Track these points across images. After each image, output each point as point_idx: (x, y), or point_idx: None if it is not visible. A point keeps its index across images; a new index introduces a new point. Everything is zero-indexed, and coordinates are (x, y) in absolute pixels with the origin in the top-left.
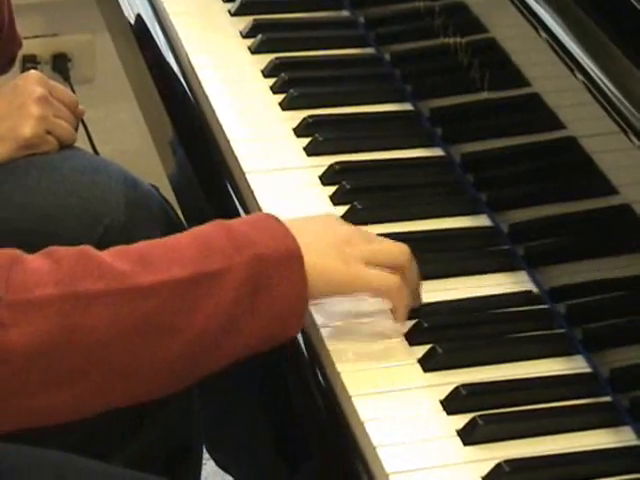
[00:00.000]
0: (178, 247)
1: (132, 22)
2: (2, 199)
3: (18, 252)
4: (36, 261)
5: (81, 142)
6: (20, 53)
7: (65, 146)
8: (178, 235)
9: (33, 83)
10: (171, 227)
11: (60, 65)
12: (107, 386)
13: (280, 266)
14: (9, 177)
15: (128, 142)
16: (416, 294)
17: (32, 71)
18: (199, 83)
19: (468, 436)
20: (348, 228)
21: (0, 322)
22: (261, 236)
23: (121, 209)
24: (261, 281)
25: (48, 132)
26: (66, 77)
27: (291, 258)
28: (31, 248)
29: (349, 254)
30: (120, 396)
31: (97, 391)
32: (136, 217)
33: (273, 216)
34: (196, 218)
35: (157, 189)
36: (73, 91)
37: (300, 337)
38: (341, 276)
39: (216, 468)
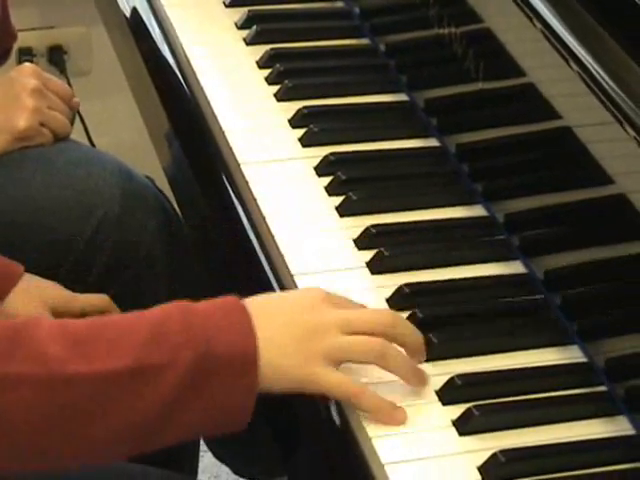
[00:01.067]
0: (128, 332)
1: (127, 14)
2: None
3: None
4: None
5: (77, 134)
6: (16, 46)
7: (60, 138)
8: (140, 315)
9: (27, 75)
10: (166, 218)
11: (56, 58)
12: (33, 460)
13: (229, 370)
14: (3, 170)
15: (124, 134)
16: (416, 350)
17: (26, 64)
18: (194, 75)
19: (463, 426)
20: (319, 314)
21: None
22: (219, 330)
23: (116, 200)
24: (205, 382)
25: (42, 124)
26: (62, 70)
27: (245, 363)
28: (25, 241)
29: (310, 349)
30: (41, 465)
31: (22, 464)
32: (131, 208)
33: (241, 305)
34: (192, 210)
35: (152, 180)
36: (69, 84)
37: None
38: (297, 375)
39: (214, 460)
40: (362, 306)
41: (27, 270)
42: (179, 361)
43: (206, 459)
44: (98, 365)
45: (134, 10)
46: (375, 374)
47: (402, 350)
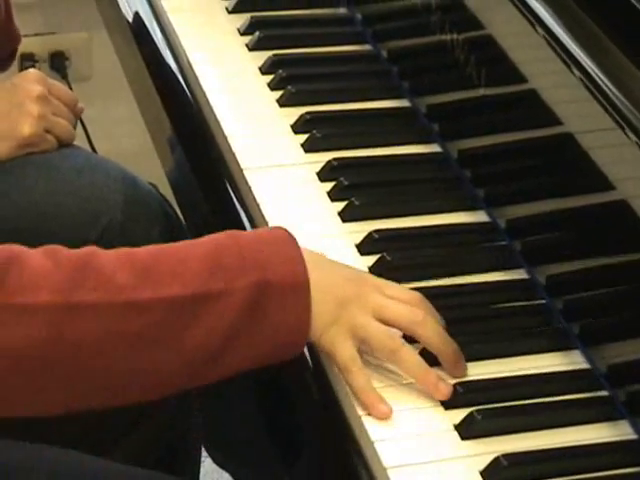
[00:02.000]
0: (186, 259)
1: (130, 20)
2: (0, 198)
3: (18, 249)
4: (36, 260)
5: (79, 140)
6: (18, 52)
7: (64, 145)
8: (192, 244)
9: (32, 81)
10: (169, 225)
11: (58, 63)
12: (96, 394)
13: (284, 294)
14: (7, 176)
15: (126, 140)
16: (444, 357)
17: (31, 69)
18: (197, 80)
19: (466, 430)
20: (362, 291)
21: None
22: (272, 258)
23: (119, 208)
24: (262, 307)
25: (47, 131)
26: (64, 75)
27: (297, 287)
28: (28, 247)
29: (342, 316)
30: (109, 401)
31: (85, 398)
32: (135, 215)
33: (291, 238)
34: (194, 215)
35: (156, 187)
36: (71, 89)
37: None
38: (322, 329)
39: (214, 465)
40: (410, 294)
41: None
42: (238, 287)
43: (207, 464)
44: (164, 292)
45: (136, 15)
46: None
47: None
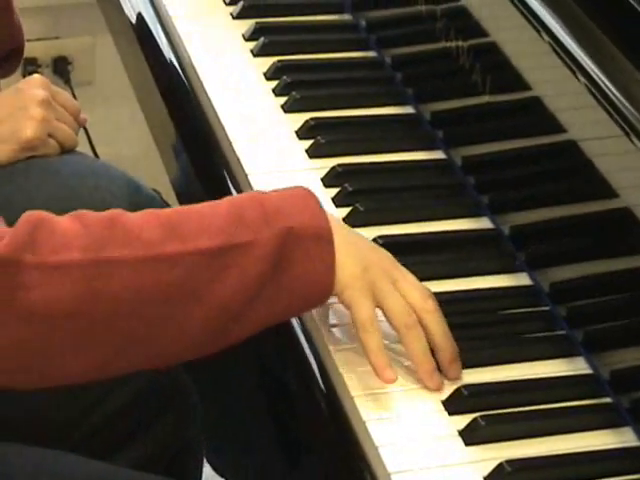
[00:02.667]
0: (210, 215)
1: (134, 24)
2: (2, 201)
3: (45, 214)
4: (64, 223)
5: (81, 145)
6: (22, 56)
7: (66, 150)
8: (214, 203)
9: (36, 86)
10: None
11: (61, 68)
12: (131, 351)
13: (309, 242)
14: (10, 180)
15: (128, 145)
16: (440, 350)
17: (35, 75)
18: (201, 86)
19: (470, 436)
20: (382, 262)
21: (24, 283)
22: (294, 210)
23: None
24: (287, 256)
25: (50, 135)
26: (66, 80)
27: (321, 236)
28: None
29: (364, 277)
30: (145, 360)
31: (120, 355)
32: None
33: (313, 195)
34: None
35: (159, 194)
36: (73, 94)
37: (302, 338)
38: (346, 281)
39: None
40: (423, 286)
41: None
42: (263, 237)
43: (208, 468)
44: (191, 245)
45: (141, 20)
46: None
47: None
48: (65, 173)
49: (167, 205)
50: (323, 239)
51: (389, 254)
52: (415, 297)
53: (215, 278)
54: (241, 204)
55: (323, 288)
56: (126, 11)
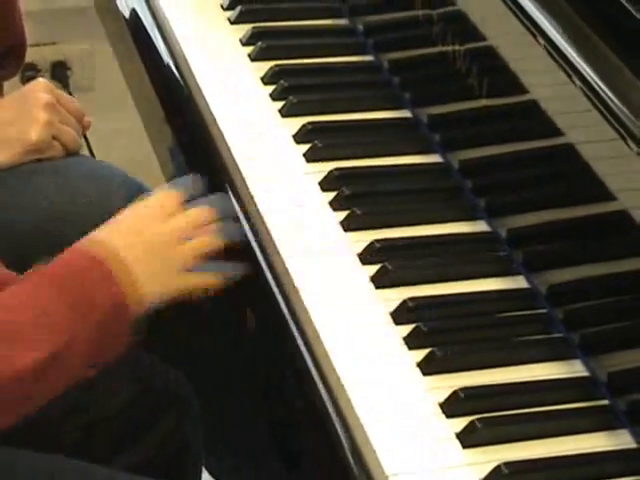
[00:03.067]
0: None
1: (132, 30)
2: (7, 202)
3: None
4: None
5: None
6: (23, 59)
7: (70, 153)
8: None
9: (40, 90)
10: None
11: (59, 73)
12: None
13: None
14: (15, 182)
15: (128, 151)
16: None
17: (40, 79)
18: (199, 91)
19: (467, 439)
20: (164, 227)
21: None
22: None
23: None
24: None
25: (54, 138)
26: (65, 85)
27: (119, 311)
28: (33, 248)
29: (170, 265)
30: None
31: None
32: None
33: (98, 261)
34: None
35: None
36: None
37: (301, 344)
38: (169, 286)
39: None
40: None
41: None
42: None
43: (205, 475)
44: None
45: (139, 24)
46: None
47: None
48: (68, 174)
49: None
50: (121, 314)
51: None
52: (196, 222)
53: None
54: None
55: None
56: (123, 15)
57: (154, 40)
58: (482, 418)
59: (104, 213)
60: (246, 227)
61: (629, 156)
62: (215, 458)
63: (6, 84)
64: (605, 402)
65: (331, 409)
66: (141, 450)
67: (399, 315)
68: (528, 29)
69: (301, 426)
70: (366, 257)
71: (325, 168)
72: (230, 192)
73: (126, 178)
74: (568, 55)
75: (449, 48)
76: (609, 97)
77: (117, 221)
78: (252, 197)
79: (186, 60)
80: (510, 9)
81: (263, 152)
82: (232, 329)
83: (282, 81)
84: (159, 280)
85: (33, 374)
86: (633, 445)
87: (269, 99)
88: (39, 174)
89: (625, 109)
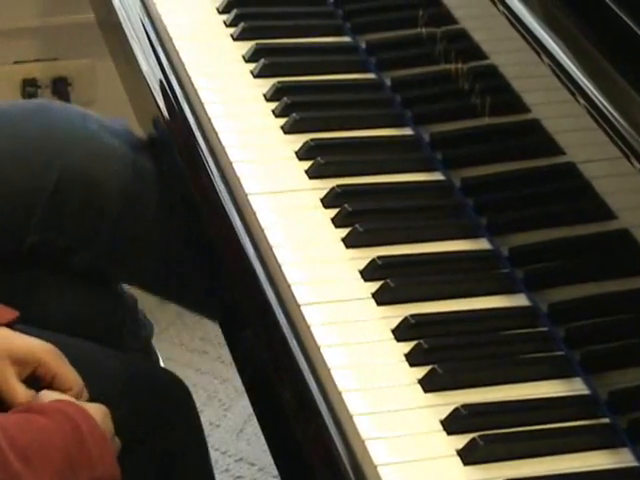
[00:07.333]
0: None
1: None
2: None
3: None
4: None
5: None
6: (20, 77)
7: None
8: None
9: None
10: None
11: (60, 89)
12: None
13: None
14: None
15: None
16: None
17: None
18: (202, 106)
19: (468, 456)
20: None
21: None
22: None
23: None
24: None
25: None
26: (66, 100)
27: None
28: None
29: None
30: None
31: None
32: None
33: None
34: (198, 240)
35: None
36: None
37: (301, 358)
38: None
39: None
40: None
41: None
42: None
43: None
44: None
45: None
46: None
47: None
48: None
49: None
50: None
51: None
52: None
53: None
54: None
55: None
56: (127, 35)
57: (156, 57)
58: (483, 435)
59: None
60: (247, 240)
61: (632, 174)
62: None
63: (7, 96)
64: (606, 420)
65: (331, 426)
66: (142, 455)
67: (400, 332)
68: (532, 47)
69: (302, 442)
70: (368, 274)
71: (327, 185)
72: (234, 208)
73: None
74: (572, 74)
75: (452, 66)
76: (612, 115)
77: None
78: (254, 213)
79: (189, 76)
80: (514, 27)
81: (265, 168)
82: None
83: (285, 98)
84: None
85: None
86: (634, 463)
87: (272, 115)
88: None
89: (629, 127)
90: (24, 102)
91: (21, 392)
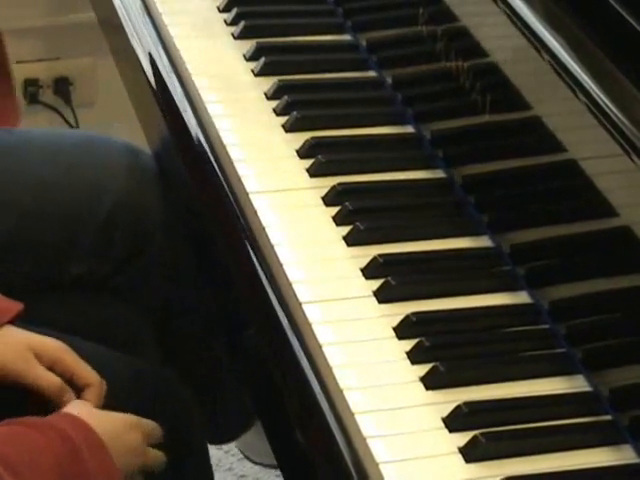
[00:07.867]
0: None
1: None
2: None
3: None
4: None
5: None
6: (22, 77)
7: None
8: None
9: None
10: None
11: (62, 88)
12: None
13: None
14: (9, 156)
15: None
16: None
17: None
18: (203, 105)
19: (470, 453)
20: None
21: None
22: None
23: (123, 175)
24: None
25: None
26: (67, 100)
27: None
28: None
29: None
30: None
31: None
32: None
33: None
34: (199, 239)
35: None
36: (74, 114)
37: (303, 356)
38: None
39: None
40: None
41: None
42: None
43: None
44: None
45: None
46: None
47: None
48: (63, 145)
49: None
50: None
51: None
52: None
53: None
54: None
55: None
56: (128, 34)
57: (157, 56)
58: (485, 432)
59: (104, 180)
60: (248, 239)
61: (633, 172)
62: None
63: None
64: (608, 417)
65: (333, 424)
66: None
67: (402, 330)
68: (532, 45)
69: (303, 440)
70: (369, 272)
71: (328, 183)
72: (235, 206)
73: (124, 144)
74: (572, 71)
75: (452, 64)
76: (613, 112)
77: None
78: (255, 211)
79: (190, 75)
80: (514, 24)
81: (267, 166)
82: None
83: (286, 96)
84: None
85: None
86: (635, 460)
87: (273, 114)
88: (34, 148)
89: (630, 124)
90: (71, 132)
91: (49, 379)
